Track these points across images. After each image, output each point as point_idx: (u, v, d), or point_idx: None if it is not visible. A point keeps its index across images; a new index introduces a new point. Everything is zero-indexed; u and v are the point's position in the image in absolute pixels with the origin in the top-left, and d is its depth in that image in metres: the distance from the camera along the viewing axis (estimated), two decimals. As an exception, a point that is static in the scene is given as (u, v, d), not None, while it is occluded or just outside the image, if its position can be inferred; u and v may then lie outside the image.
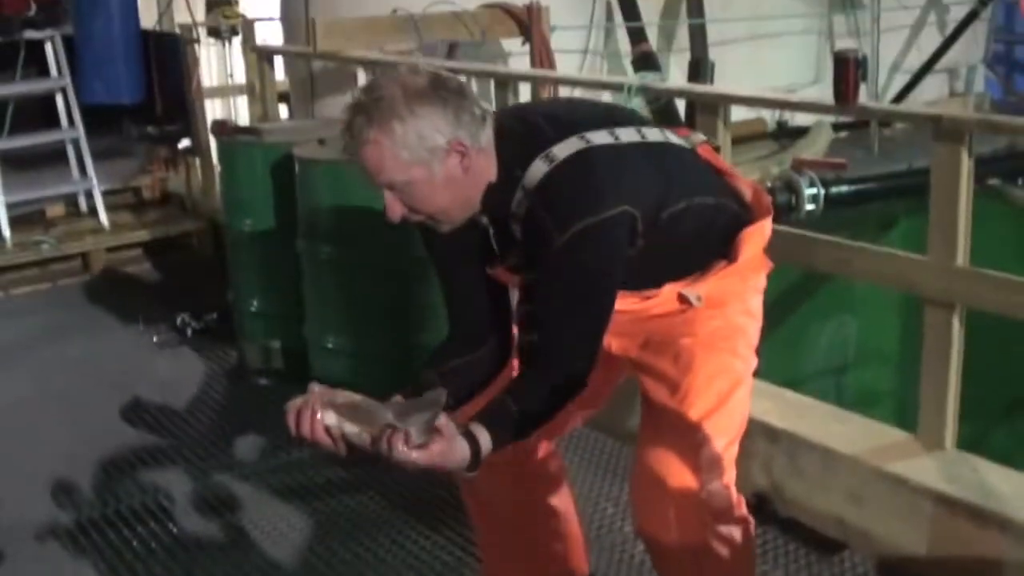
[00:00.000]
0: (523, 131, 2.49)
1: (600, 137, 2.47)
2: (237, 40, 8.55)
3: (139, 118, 8.24)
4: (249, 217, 5.15)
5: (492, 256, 2.60)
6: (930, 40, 9.12)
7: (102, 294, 6.95)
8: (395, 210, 2.39)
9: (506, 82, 5.03)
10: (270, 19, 8.86)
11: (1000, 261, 3.67)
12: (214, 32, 8.76)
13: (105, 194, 7.93)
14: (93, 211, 7.86)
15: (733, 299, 2.71)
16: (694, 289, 2.66)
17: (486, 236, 2.56)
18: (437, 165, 2.34)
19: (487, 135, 2.41)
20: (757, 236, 2.73)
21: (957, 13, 8.98)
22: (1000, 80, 10.51)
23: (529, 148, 2.43)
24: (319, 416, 2.25)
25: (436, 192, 2.37)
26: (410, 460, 2.18)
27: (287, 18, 7.74)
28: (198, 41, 8.06)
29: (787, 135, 8.04)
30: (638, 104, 5.00)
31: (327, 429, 2.26)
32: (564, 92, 5.51)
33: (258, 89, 7.59)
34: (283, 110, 8.12)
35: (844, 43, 8.57)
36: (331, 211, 4.50)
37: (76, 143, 7.89)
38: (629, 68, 7.69)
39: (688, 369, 2.65)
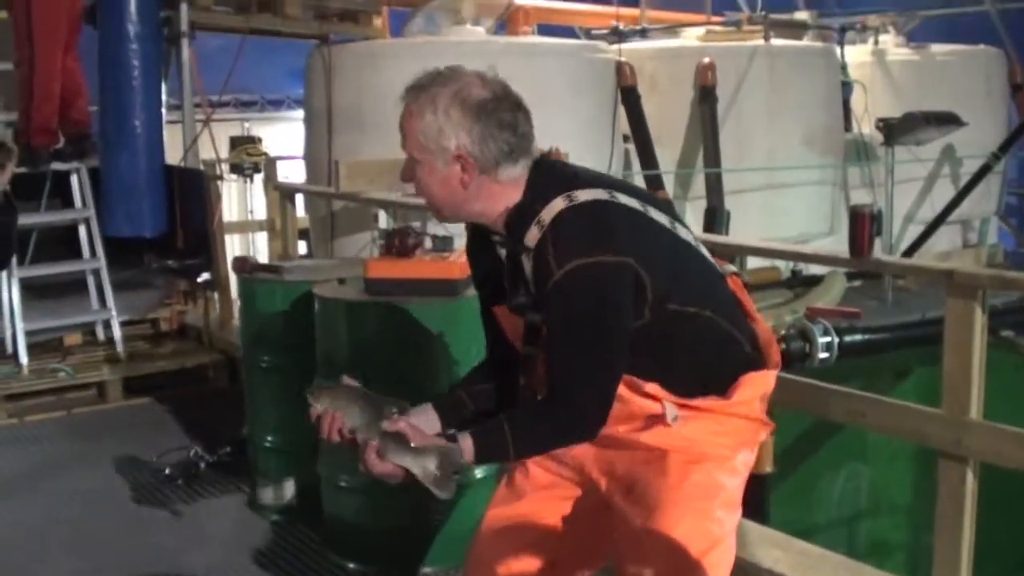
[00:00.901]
0: (558, 172, 2.60)
1: (628, 200, 2.53)
2: (259, 177, 8.74)
3: (160, 251, 8.38)
4: (268, 353, 5.21)
5: (503, 292, 2.67)
6: (944, 192, 9.27)
7: (116, 424, 6.97)
8: (406, 172, 2.61)
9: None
10: (291, 158, 9.05)
11: (1014, 414, 3.70)
12: (237, 169, 8.96)
13: (123, 324, 8.02)
14: (110, 340, 7.94)
15: (717, 452, 2.66)
16: (675, 407, 2.60)
17: (501, 270, 2.65)
18: (440, 163, 2.53)
19: (512, 172, 2.55)
20: (758, 383, 2.69)
21: (970, 166, 9.14)
22: (1013, 231, 10.64)
23: (556, 187, 2.52)
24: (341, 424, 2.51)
25: (433, 183, 2.57)
26: (386, 472, 2.44)
27: (310, 158, 7.90)
28: (221, 178, 8.23)
29: (801, 283, 8.12)
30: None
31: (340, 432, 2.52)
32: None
33: (279, 226, 7.73)
34: (302, 246, 8.25)
35: (858, 194, 8.73)
36: (350, 350, 4.54)
37: (97, 273, 8.01)
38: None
39: (658, 529, 2.58)
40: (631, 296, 2.45)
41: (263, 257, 7.86)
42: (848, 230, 3.96)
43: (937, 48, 9.59)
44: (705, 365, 2.66)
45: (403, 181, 2.64)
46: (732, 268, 2.85)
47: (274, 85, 12.24)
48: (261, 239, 9.15)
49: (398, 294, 4.43)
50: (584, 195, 2.48)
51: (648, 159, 7.92)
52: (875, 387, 4.08)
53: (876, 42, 9.59)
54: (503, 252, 2.64)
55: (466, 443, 2.45)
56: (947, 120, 8.35)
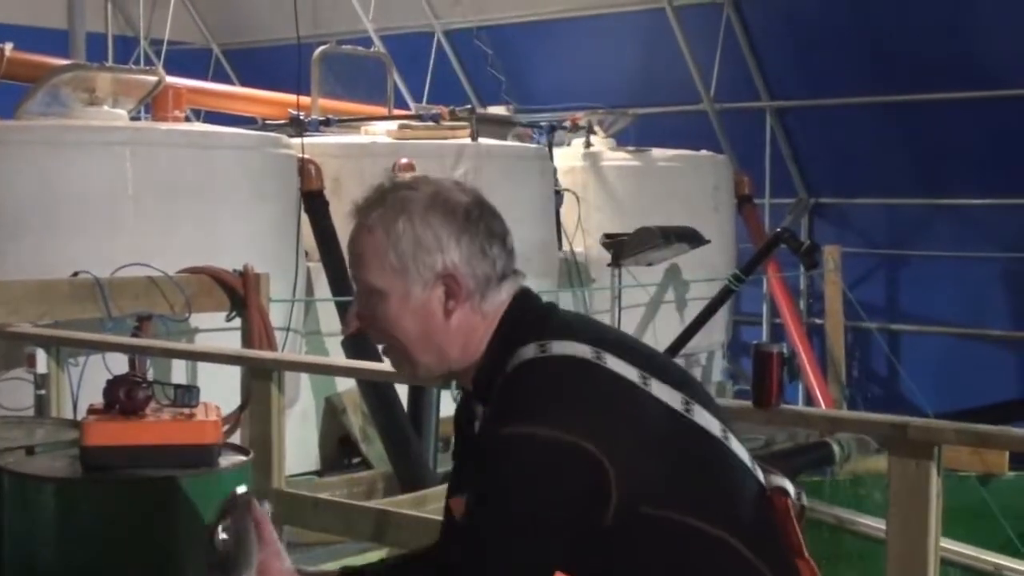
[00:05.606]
0: (538, 314, 2.40)
1: (620, 367, 2.27)
2: None
3: None
4: None
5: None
6: (668, 321, 9.30)
7: None
8: (351, 322, 2.42)
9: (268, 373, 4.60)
10: None
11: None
12: None
13: None
14: None
15: None
16: None
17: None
18: (419, 287, 2.33)
19: (494, 301, 2.37)
20: None
21: (698, 291, 9.23)
22: (731, 366, 10.88)
23: (531, 332, 2.32)
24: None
25: (405, 319, 2.35)
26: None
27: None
28: None
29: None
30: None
31: None
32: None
33: None
34: None
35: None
36: (59, 552, 3.82)
37: None
38: (338, 350, 7.43)
39: None
40: (580, 489, 2.19)
41: None
42: (752, 376, 3.68)
43: (659, 153, 9.68)
44: None
45: (352, 330, 2.43)
46: (783, 484, 2.42)
47: None
48: None
49: (130, 467, 3.82)
50: (561, 347, 2.28)
51: (340, 283, 7.54)
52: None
53: (588, 144, 9.58)
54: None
55: None
56: (687, 237, 8.43)
